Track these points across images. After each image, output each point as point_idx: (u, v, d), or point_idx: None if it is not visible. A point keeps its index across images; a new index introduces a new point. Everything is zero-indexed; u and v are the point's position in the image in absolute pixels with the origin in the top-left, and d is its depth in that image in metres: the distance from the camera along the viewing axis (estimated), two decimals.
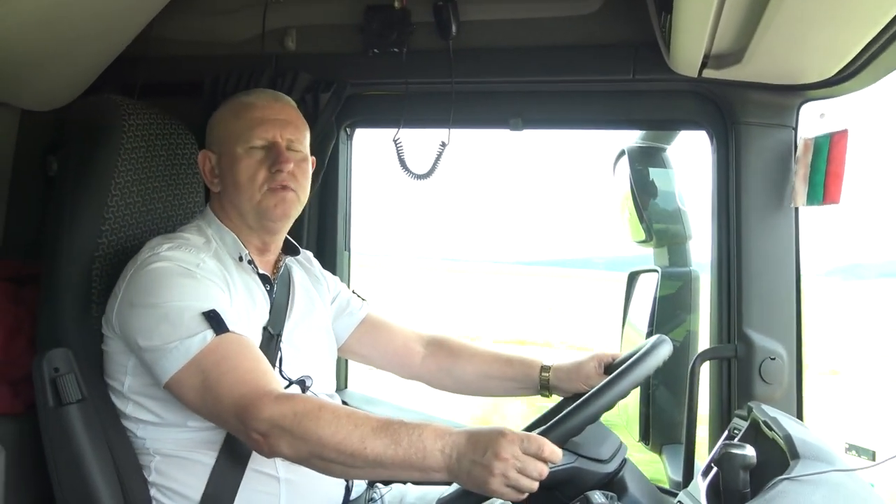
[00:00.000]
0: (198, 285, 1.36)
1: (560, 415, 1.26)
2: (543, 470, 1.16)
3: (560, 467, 1.25)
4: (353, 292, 1.77)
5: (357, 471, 1.25)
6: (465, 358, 1.70)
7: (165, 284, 1.34)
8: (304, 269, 1.68)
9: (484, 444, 1.15)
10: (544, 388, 1.63)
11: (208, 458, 1.39)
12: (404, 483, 1.67)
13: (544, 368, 1.62)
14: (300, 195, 1.51)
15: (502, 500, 1.28)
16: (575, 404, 1.27)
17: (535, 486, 1.16)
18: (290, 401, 1.25)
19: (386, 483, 1.67)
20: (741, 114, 1.70)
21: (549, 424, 1.24)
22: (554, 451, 1.17)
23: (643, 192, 2.03)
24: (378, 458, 1.18)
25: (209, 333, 1.30)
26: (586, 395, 1.28)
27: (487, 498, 1.24)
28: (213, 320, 1.31)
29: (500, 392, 1.71)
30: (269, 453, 1.25)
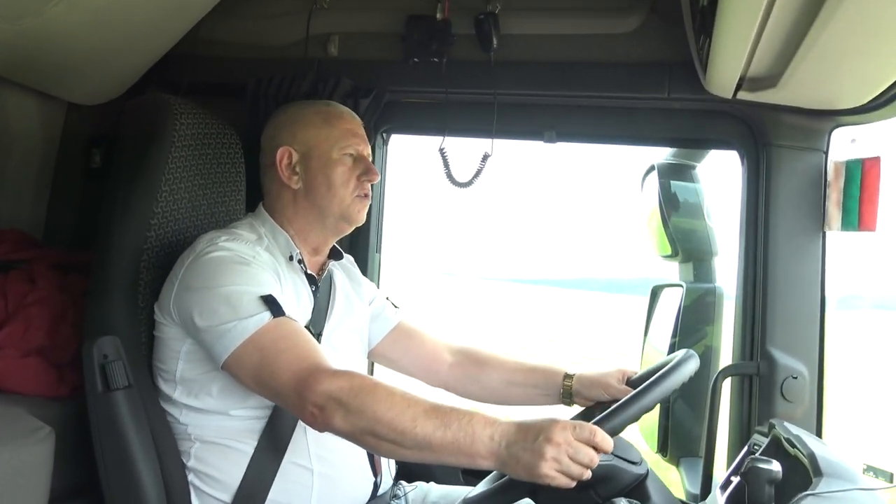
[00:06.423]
0: (255, 272, 1.41)
1: (614, 406, 1.26)
2: (594, 457, 1.17)
3: (600, 463, 1.28)
4: (387, 299, 1.81)
5: (405, 451, 1.24)
6: (491, 366, 1.73)
7: (224, 270, 1.40)
8: (346, 271, 1.73)
9: (536, 431, 1.16)
10: (566, 396, 1.66)
11: (247, 448, 1.43)
12: (427, 482, 1.71)
13: (567, 377, 1.65)
14: None
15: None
16: (625, 398, 1.28)
17: (586, 473, 1.17)
18: (348, 376, 1.28)
19: (410, 481, 1.70)
20: (773, 136, 1.73)
21: (602, 415, 1.25)
22: (605, 439, 1.18)
23: (672, 208, 2.06)
24: (427, 438, 1.19)
25: (266, 315, 1.34)
26: (634, 392, 1.29)
27: (516, 499, 1.26)
28: (271, 304, 1.36)
29: (523, 400, 1.73)
30: (323, 426, 1.27)
